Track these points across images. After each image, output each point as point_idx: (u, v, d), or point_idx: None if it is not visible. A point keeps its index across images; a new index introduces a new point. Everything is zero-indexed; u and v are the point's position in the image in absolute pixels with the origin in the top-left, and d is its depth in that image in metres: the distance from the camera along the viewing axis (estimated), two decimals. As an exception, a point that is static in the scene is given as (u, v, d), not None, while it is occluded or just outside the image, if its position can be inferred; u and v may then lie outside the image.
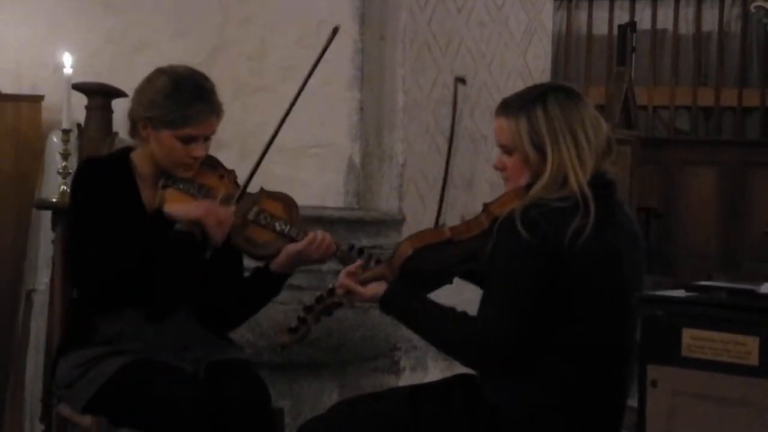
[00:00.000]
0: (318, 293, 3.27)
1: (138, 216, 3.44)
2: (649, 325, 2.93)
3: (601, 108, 8.00)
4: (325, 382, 4.35)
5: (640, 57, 8.74)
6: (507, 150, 3.10)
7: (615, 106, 7.55)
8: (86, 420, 3.40)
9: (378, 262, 3.29)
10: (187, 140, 3.38)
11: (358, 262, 3.25)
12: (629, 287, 3.05)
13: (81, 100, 4.62)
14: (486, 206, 3.13)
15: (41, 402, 4.33)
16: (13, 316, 4.56)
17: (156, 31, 4.75)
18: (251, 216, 3.40)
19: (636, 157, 7.69)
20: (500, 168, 3.14)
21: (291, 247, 3.38)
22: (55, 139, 4.70)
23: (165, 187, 3.42)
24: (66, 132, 4.59)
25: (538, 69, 5.62)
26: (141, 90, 3.45)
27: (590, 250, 2.92)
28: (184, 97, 3.38)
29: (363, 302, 3.26)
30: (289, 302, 4.10)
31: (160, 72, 3.45)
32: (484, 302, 3.01)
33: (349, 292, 3.17)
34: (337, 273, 4.35)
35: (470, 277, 3.26)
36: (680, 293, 3.00)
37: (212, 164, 3.50)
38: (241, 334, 3.93)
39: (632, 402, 3.31)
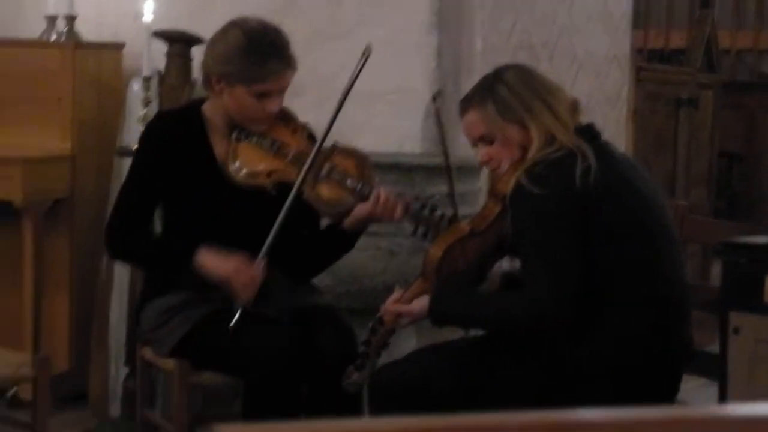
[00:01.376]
0: (369, 324, 3.27)
1: (209, 168, 3.46)
2: (731, 272, 2.93)
3: (682, 52, 7.93)
4: (403, 328, 4.36)
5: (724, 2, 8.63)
6: (486, 140, 3.16)
7: (697, 49, 7.46)
8: (170, 364, 3.48)
9: (452, 219, 3.31)
10: (262, 95, 3.39)
11: (396, 293, 3.25)
12: (651, 206, 3.10)
13: (161, 47, 4.67)
14: (491, 189, 3.22)
15: (126, 346, 4.39)
16: (97, 262, 4.61)
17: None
18: (324, 172, 3.40)
19: (718, 101, 7.62)
20: (487, 160, 3.18)
21: (359, 209, 3.38)
22: (135, 87, 4.72)
23: (238, 140, 3.45)
24: (146, 79, 4.63)
25: (619, 12, 5.58)
26: (214, 43, 3.47)
27: (602, 184, 2.98)
28: (258, 54, 3.39)
29: (414, 320, 3.25)
30: (367, 248, 4.11)
31: (233, 25, 3.46)
32: (527, 272, 3.06)
33: (398, 317, 3.19)
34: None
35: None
36: (762, 239, 3.00)
37: (286, 118, 3.51)
38: (319, 280, 3.95)
39: (714, 349, 3.30)
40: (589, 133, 3.13)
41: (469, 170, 4.49)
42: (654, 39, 8.38)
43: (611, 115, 5.25)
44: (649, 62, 7.62)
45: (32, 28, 5.03)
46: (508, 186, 3.07)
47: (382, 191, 3.37)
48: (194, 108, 3.59)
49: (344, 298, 4.13)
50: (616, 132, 5.36)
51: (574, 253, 2.97)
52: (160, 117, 3.73)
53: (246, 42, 3.40)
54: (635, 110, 6.10)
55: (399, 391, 3.12)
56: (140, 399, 3.74)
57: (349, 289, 4.19)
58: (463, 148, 4.76)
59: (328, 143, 3.45)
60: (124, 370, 4.46)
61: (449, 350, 3.30)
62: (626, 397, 2.92)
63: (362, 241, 3.64)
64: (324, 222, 3.61)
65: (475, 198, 4.49)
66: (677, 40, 8.24)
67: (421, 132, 4.63)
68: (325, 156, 3.43)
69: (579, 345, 3.02)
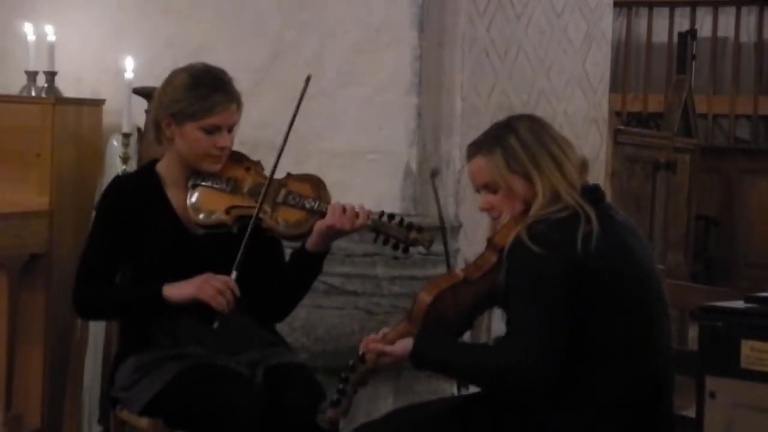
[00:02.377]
0: (350, 361, 3.23)
1: (169, 222, 3.49)
2: (708, 337, 2.93)
3: (660, 116, 7.97)
4: (380, 387, 4.33)
5: (700, 65, 8.70)
6: (490, 189, 3.13)
7: (675, 114, 7.52)
8: (144, 422, 3.43)
9: (417, 229, 3.34)
10: (211, 130, 3.44)
11: (381, 332, 3.22)
12: (649, 275, 3.06)
13: (141, 104, 4.67)
14: (489, 240, 3.14)
15: (100, 404, 4.36)
16: (72, 320, 4.58)
17: (216, 37, 4.79)
18: (280, 198, 3.43)
19: (695, 165, 7.66)
20: (488, 209, 3.16)
21: (320, 224, 3.39)
22: (115, 143, 4.73)
23: (194, 186, 3.49)
24: (126, 136, 4.65)
25: (597, 76, 5.61)
26: (162, 90, 3.54)
27: (603, 250, 2.95)
28: (203, 89, 3.45)
29: (395, 361, 3.20)
30: (344, 307, 4.11)
31: (178, 71, 3.55)
32: (514, 330, 2.99)
33: (379, 356, 3.15)
34: (392, 279, 4.38)
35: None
36: (739, 304, 3.00)
37: (238, 158, 3.55)
38: (296, 338, 3.93)
39: (690, 413, 3.29)
40: (594, 194, 3.09)
41: (446, 230, 4.49)
42: (632, 102, 8.44)
43: (589, 177, 5.26)
44: (628, 125, 7.67)
45: (12, 83, 5.04)
46: (506, 239, 3.04)
47: (338, 204, 3.39)
48: (148, 168, 3.63)
49: (320, 358, 4.11)
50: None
51: (564, 318, 2.92)
52: (116, 181, 3.75)
53: (191, 80, 3.47)
54: (613, 172, 6.12)
55: None
56: None
57: (326, 348, 4.17)
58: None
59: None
60: (97, 429, 4.42)
61: (427, 411, 3.27)
62: None
63: (339, 301, 3.64)
64: (288, 253, 3.61)
65: (453, 258, 4.48)
66: (655, 103, 8.30)
67: (401, 192, 4.62)
68: (281, 184, 3.46)
69: (560, 410, 2.98)
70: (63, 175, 4.77)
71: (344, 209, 3.39)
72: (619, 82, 8.26)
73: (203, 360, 3.41)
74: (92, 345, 4.53)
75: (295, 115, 3.47)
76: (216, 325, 3.33)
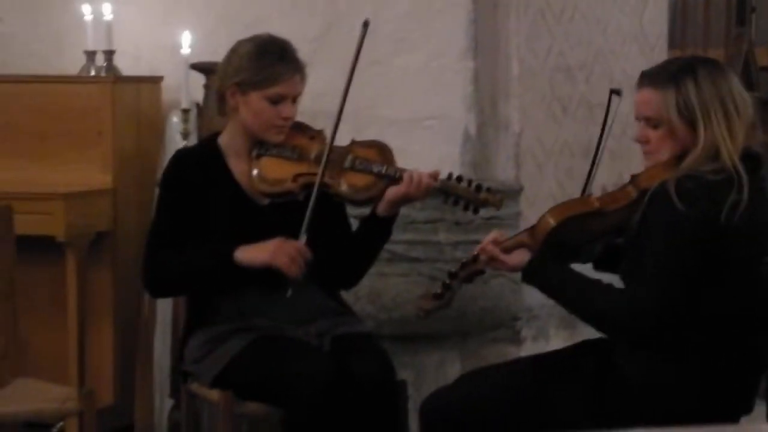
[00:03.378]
0: (463, 260, 3.29)
1: (233, 194, 3.52)
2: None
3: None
4: (447, 353, 4.38)
5: (760, 16, 8.57)
6: (652, 123, 3.07)
7: (735, 68, 7.43)
8: (214, 394, 3.47)
9: (487, 189, 3.36)
10: (276, 100, 3.47)
11: (496, 233, 3.25)
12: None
13: (199, 79, 4.70)
14: (634, 177, 3.13)
15: (170, 378, 4.39)
16: (140, 296, 4.62)
17: (270, 8, 4.78)
18: (347, 164, 3.46)
19: (758, 118, 7.59)
20: (643, 141, 3.11)
21: (392, 191, 3.41)
22: (174, 119, 4.75)
23: (259, 156, 3.51)
24: (185, 111, 4.68)
25: (655, 33, 5.55)
26: (226, 60, 3.57)
27: (743, 224, 2.92)
28: (268, 59, 3.49)
29: (506, 270, 3.28)
30: (408, 274, 4.12)
31: (242, 41, 3.58)
32: (637, 277, 3.01)
33: (492, 259, 3.17)
34: (455, 245, 4.38)
35: (609, 255, 3.26)
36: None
37: (301, 128, 3.57)
38: (361, 307, 3.95)
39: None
40: (754, 162, 3.04)
41: (509, 194, 4.48)
42: (691, 58, 8.34)
43: None
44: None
45: (72, 64, 5.07)
46: (652, 181, 3.03)
47: (409, 171, 3.42)
48: (210, 141, 3.66)
49: (386, 326, 4.13)
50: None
51: (689, 277, 2.93)
52: (178, 154, 3.77)
53: (256, 50, 3.51)
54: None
55: (449, 416, 3.13)
56: (186, 430, 3.73)
57: (391, 315, 4.19)
58: (502, 172, 4.76)
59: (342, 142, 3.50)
60: (169, 402, 4.47)
61: (497, 374, 3.30)
62: (691, 419, 2.91)
63: (403, 268, 3.65)
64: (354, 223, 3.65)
65: (515, 221, 4.50)
66: (715, 58, 8.20)
67: (460, 157, 4.62)
68: (347, 150, 3.49)
69: (651, 372, 3.01)
70: (124, 152, 4.81)
71: (418, 177, 3.40)
72: (677, 37, 8.16)
73: (271, 331, 3.45)
74: (160, 320, 4.56)
75: (355, 64, 3.49)
76: (290, 293, 3.35)
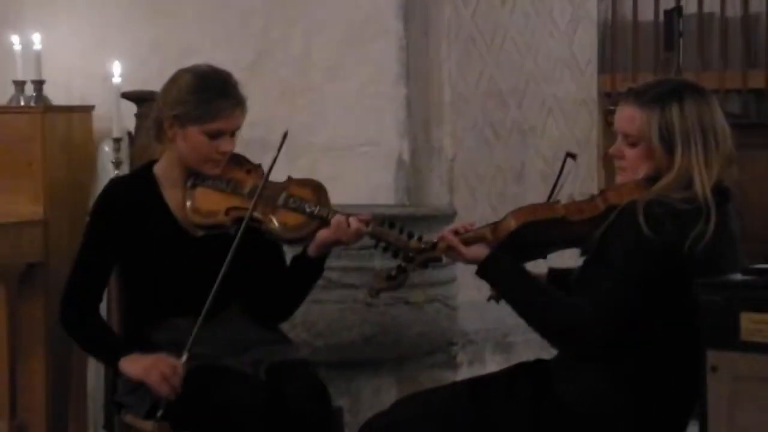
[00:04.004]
0: (422, 244, 3.26)
1: (166, 223, 3.47)
2: (707, 311, 2.91)
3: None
4: (383, 379, 4.36)
5: (687, 42, 8.67)
6: (631, 140, 3.06)
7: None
8: (149, 425, 3.41)
9: (419, 239, 3.27)
10: (214, 135, 3.39)
11: (463, 226, 3.22)
12: None
13: (131, 108, 4.67)
14: (603, 192, 3.12)
15: (104, 410, 4.35)
16: None
17: (201, 38, 4.80)
18: (280, 201, 3.40)
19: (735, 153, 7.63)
20: (619, 156, 3.10)
21: (322, 234, 3.38)
22: (106, 148, 4.74)
23: (194, 186, 3.44)
24: (117, 141, 4.65)
25: (585, 58, 5.61)
26: (166, 90, 3.49)
27: (703, 256, 2.91)
28: (209, 92, 3.42)
29: (462, 261, 3.23)
30: (344, 301, 4.10)
31: (183, 71, 3.50)
32: (591, 290, 2.99)
33: (450, 248, 3.16)
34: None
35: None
36: (737, 277, 2.99)
37: (239, 161, 3.50)
38: (296, 334, 3.93)
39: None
40: (722, 195, 3.00)
41: (442, 218, 4.49)
42: (621, 83, 8.38)
43: (582, 159, 5.26)
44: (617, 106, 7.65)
45: (1, 94, 5.05)
46: (622, 199, 3.02)
47: (340, 215, 3.37)
48: (145, 169, 3.59)
49: (322, 352, 4.11)
50: (588, 176, 5.37)
51: (639, 302, 2.92)
52: (111, 183, 3.71)
53: (196, 83, 3.43)
54: (605, 154, 6.11)
55: None
56: None
57: (327, 342, 4.17)
58: (436, 198, 4.77)
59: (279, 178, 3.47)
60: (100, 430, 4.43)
61: (433, 398, 3.27)
62: None
63: (338, 294, 3.64)
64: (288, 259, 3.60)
65: None
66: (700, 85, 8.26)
67: (395, 183, 4.65)
68: (282, 187, 3.43)
69: (587, 392, 3.00)
70: (56, 183, 4.76)
71: (349, 223, 3.38)
72: (607, 62, 8.24)
73: (205, 360, 3.40)
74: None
75: (272, 166, 3.43)
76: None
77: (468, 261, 3.14)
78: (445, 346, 4.56)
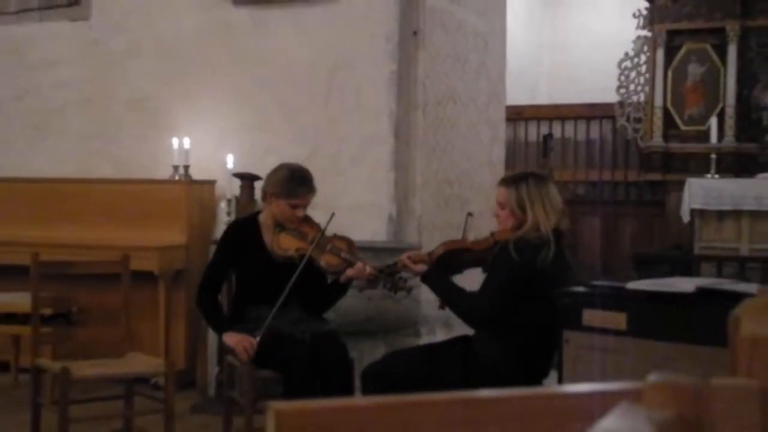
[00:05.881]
0: (390, 262, 3.25)
1: (260, 256, 3.40)
2: (562, 307, 2.91)
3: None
4: (376, 342, 4.28)
5: (555, 152, 8.54)
6: (502, 206, 3.03)
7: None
8: (241, 363, 3.36)
9: (404, 281, 3.21)
10: (294, 207, 3.35)
11: (414, 253, 3.22)
12: (559, 285, 3.02)
13: (237, 182, 4.66)
14: (492, 233, 3.07)
15: (217, 354, 4.32)
16: None
17: (280, 141, 4.77)
18: (327, 248, 3.32)
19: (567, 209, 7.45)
20: (497, 215, 3.07)
21: (348, 272, 3.31)
22: (222, 205, 4.73)
23: (279, 232, 3.37)
24: (228, 201, 4.65)
25: (498, 160, 5.60)
26: (271, 175, 3.42)
27: (548, 272, 2.90)
28: (295, 183, 3.35)
29: (413, 274, 3.17)
30: (354, 296, 3.96)
31: (283, 165, 3.43)
32: (483, 289, 2.99)
33: (404, 266, 3.13)
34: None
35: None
36: (580, 288, 2.99)
37: (308, 220, 3.43)
38: (328, 315, 3.90)
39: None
40: (558, 235, 2.98)
41: (413, 250, 4.45)
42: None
43: (487, 213, 5.28)
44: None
45: (164, 173, 5.02)
46: (502, 237, 2.98)
47: (360, 262, 3.30)
48: (253, 217, 3.53)
49: (342, 325, 4.09)
50: (491, 223, 5.33)
51: (510, 295, 2.93)
52: (234, 223, 3.69)
53: (289, 175, 3.35)
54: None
55: (379, 377, 3.07)
56: (225, 385, 3.68)
57: (345, 320, 4.14)
58: (410, 238, 4.72)
59: (330, 233, 3.40)
60: (215, 368, 4.40)
61: (406, 353, 3.25)
62: (515, 381, 2.90)
63: (351, 293, 3.61)
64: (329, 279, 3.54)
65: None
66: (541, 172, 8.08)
67: (386, 229, 4.60)
68: (329, 239, 3.36)
69: (491, 351, 2.98)
70: (193, 224, 4.76)
71: (364, 268, 3.28)
72: (510, 162, 8.15)
73: (279, 330, 3.33)
74: None
75: (326, 227, 3.34)
76: (258, 338, 3.22)
77: (415, 273, 3.13)
78: (412, 324, 4.50)
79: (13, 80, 5.41)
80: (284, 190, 3.33)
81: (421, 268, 3.07)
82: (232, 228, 3.56)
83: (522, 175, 3.07)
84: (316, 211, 3.48)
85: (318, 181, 3.44)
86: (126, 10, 5.21)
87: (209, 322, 3.57)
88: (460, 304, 3.02)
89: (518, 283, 2.91)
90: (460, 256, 3.08)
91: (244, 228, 3.47)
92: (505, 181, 3.08)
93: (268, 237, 3.40)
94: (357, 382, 3.27)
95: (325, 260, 3.32)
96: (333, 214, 3.30)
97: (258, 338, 3.23)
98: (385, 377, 3.04)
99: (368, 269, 3.27)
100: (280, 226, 3.38)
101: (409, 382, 2.98)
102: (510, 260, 2.88)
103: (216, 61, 4.99)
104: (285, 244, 3.34)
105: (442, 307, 3.14)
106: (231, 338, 3.28)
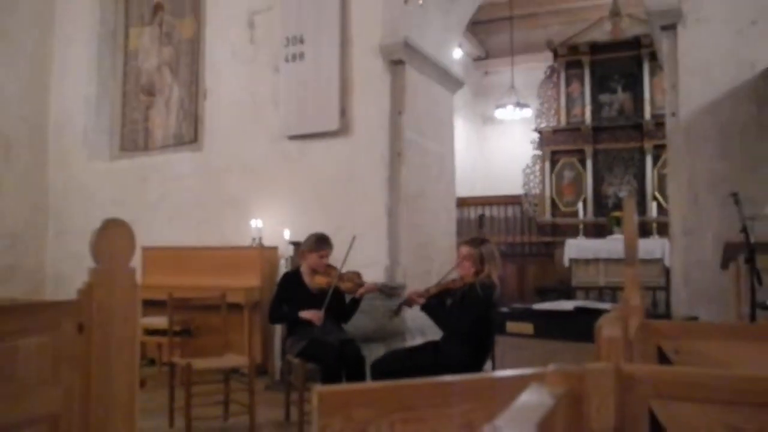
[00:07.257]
0: (402, 299, 3.10)
1: (303, 291, 3.38)
2: (497, 320, 2.92)
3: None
4: (378, 345, 4.18)
5: (487, 224, 7.77)
6: (466, 259, 2.91)
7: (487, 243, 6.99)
8: (296, 360, 3.28)
9: (395, 292, 3.14)
10: (322, 257, 3.32)
11: (421, 289, 3.01)
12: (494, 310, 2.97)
13: (291, 248, 4.50)
14: (461, 276, 2.94)
15: (281, 352, 4.12)
16: (270, 325, 4.18)
17: (316, 222, 4.56)
18: (346, 278, 3.29)
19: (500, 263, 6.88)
20: (460, 266, 2.93)
21: (360, 290, 3.29)
22: (282, 261, 4.58)
23: (314, 274, 3.35)
24: (286, 259, 4.44)
25: (450, 232, 5.27)
26: (305, 240, 3.43)
27: (494, 302, 2.86)
28: (320, 243, 3.34)
29: (416, 304, 2.96)
30: (361, 312, 3.69)
31: (312, 234, 3.42)
32: (456, 315, 2.85)
33: (411, 299, 2.99)
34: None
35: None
36: (505, 309, 3.05)
37: (329, 265, 3.38)
38: (346, 327, 3.53)
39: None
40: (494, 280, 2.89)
41: (401, 287, 4.37)
42: (462, 239, 7.54)
43: (450, 264, 4.21)
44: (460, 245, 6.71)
45: (247, 242, 4.89)
46: (469, 279, 2.86)
47: (369, 284, 3.30)
48: (297, 269, 3.47)
49: (357, 335, 3.79)
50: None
51: (473, 317, 2.82)
52: (285, 273, 3.57)
53: (316, 238, 3.35)
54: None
55: (383, 369, 2.97)
56: (285, 373, 3.47)
57: (358, 331, 3.93)
58: (399, 279, 4.51)
59: (347, 269, 3.35)
60: (279, 362, 4.25)
61: (400, 351, 3.14)
62: (467, 369, 2.81)
63: (362, 312, 3.51)
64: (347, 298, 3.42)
65: (403, 292, 4.23)
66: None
67: (384, 274, 4.48)
68: (345, 274, 3.31)
69: (453, 350, 2.88)
70: (264, 274, 4.61)
71: (371, 286, 3.27)
72: (459, 233, 7.12)
73: (317, 337, 3.26)
74: (278, 331, 4.31)
75: (343, 264, 3.28)
76: (319, 325, 3.21)
77: (419, 304, 3.00)
78: (401, 333, 4.37)
79: (157, 187, 5.55)
80: (314, 246, 3.31)
81: (422, 300, 2.96)
82: (285, 277, 3.51)
83: (480, 240, 2.93)
84: (340, 261, 3.35)
85: (340, 246, 3.39)
86: (224, 144, 5.25)
87: (286, 321, 3.37)
88: (446, 324, 2.88)
89: (480, 310, 2.81)
90: (444, 292, 2.96)
91: (293, 275, 3.43)
92: (469, 243, 2.93)
93: (307, 279, 3.37)
94: (368, 372, 3.18)
95: (345, 286, 3.28)
96: (354, 237, 3.20)
97: (322, 311, 3.12)
98: (385, 369, 2.95)
99: (372, 286, 3.26)
100: (314, 271, 3.35)
101: (401, 372, 2.88)
102: (478, 296, 2.78)
103: (278, 174, 4.95)
104: (319, 281, 3.32)
105: (393, 315, 3.04)
106: (306, 313, 3.18)
